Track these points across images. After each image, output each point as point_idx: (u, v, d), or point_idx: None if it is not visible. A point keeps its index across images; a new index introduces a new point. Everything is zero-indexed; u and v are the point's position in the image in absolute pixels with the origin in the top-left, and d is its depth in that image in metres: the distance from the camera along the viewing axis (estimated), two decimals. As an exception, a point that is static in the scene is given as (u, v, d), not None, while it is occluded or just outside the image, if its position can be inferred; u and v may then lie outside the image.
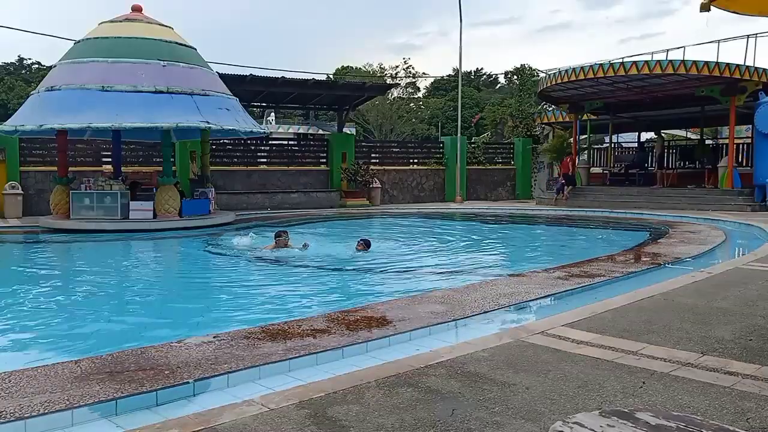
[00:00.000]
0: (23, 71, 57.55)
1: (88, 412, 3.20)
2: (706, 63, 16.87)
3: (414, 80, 50.33)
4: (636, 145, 26.22)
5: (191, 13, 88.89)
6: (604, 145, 27.62)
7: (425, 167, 24.20)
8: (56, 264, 10.90)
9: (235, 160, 20.82)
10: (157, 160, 17.77)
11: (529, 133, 27.41)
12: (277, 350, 4.18)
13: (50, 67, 15.92)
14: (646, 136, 26.37)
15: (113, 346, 4.65)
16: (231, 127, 14.47)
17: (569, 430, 2.06)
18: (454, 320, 5.15)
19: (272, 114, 40.93)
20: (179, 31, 15.58)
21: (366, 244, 10.59)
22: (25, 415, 3.07)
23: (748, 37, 18.87)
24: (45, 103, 13.85)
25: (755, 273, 7.39)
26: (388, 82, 38.25)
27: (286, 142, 23.28)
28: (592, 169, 24.71)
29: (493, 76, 65.86)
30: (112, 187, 14.40)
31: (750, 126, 20.25)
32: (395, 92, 45.27)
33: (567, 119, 24.54)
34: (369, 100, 27.75)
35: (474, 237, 14.40)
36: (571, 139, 23.35)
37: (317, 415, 3.10)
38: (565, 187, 20.92)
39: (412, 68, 48.32)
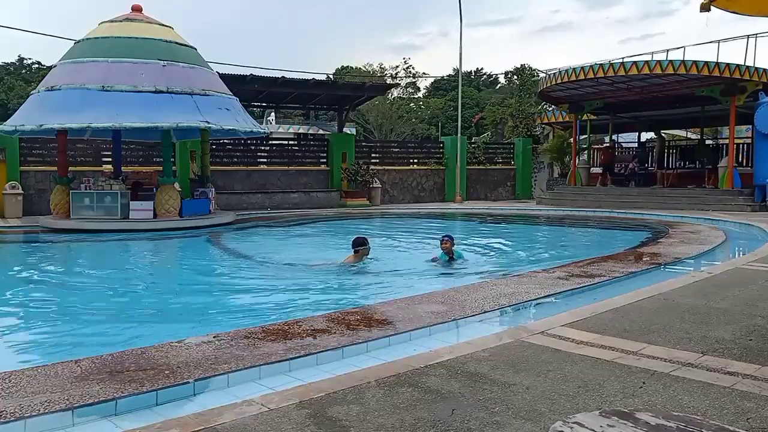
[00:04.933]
0: (23, 71, 57.49)
1: (88, 412, 3.20)
2: (706, 63, 16.87)
3: (414, 80, 50.24)
4: (636, 144, 26.22)
5: (191, 13, 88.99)
6: (605, 145, 27.62)
7: (425, 167, 24.20)
8: (56, 264, 10.89)
9: (235, 160, 20.82)
10: (157, 160, 17.77)
11: (529, 133, 27.43)
12: (278, 350, 4.18)
13: (50, 67, 15.92)
14: (646, 136, 26.37)
15: (113, 346, 4.65)
16: (231, 127, 14.47)
17: (569, 430, 2.06)
18: (454, 320, 5.15)
19: (272, 114, 40.94)
20: (179, 31, 15.57)
21: (452, 241, 8.99)
22: (25, 415, 3.07)
23: (748, 37, 18.91)
24: (45, 102, 13.86)
25: (755, 273, 7.39)
26: (388, 82, 38.22)
27: (286, 142, 23.27)
28: (592, 169, 24.70)
29: (493, 76, 65.89)
30: (112, 187, 14.41)
31: (750, 126, 20.25)
32: (395, 92, 45.18)
33: (567, 119, 24.52)
34: (369, 100, 27.73)
35: (474, 237, 14.38)
36: (571, 139, 23.34)
37: (317, 415, 3.10)
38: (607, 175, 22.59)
39: (412, 68, 48.23)
